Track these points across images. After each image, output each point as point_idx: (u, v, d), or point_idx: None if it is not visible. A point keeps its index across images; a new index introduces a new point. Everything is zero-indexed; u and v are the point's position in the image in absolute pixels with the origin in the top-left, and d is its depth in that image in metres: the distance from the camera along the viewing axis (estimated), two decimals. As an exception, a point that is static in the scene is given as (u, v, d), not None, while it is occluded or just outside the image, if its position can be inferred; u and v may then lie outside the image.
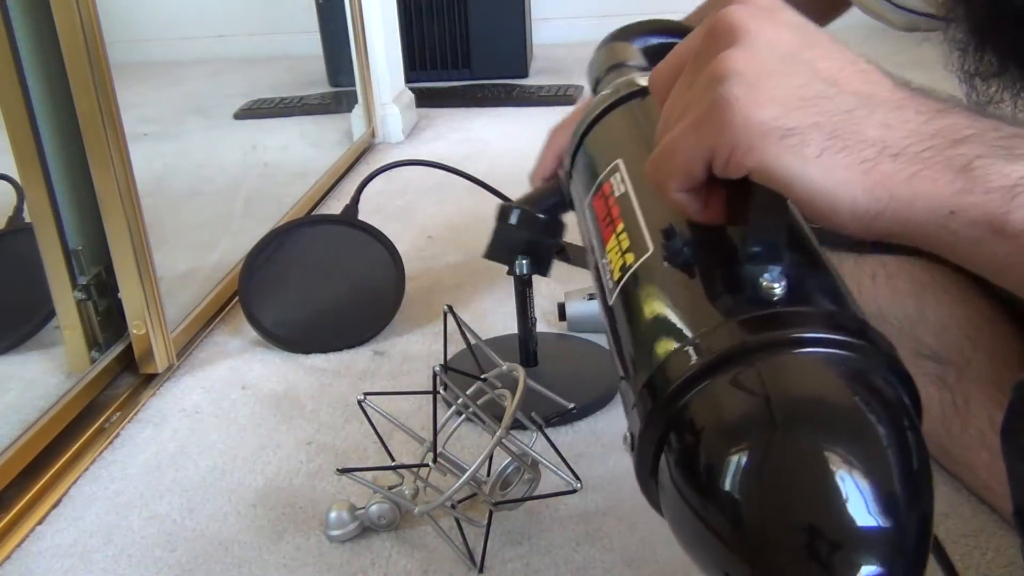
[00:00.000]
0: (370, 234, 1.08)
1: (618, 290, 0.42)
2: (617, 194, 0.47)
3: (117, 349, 0.98)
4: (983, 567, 0.65)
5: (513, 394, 0.66)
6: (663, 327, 0.38)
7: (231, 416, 0.91)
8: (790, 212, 0.38)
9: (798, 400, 0.33)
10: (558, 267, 1.22)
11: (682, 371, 0.34)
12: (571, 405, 0.78)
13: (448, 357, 0.80)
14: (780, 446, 0.31)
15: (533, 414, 0.73)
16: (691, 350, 0.34)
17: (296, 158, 1.93)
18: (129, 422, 0.91)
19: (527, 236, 0.86)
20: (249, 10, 3.02)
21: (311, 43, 2.40)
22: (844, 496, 0.30)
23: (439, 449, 0.67)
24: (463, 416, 0.74)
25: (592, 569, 0.67)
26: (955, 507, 0.70)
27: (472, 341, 0.74)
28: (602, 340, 0.99)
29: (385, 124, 1.94)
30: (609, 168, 0.49)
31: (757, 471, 0.31)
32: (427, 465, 0.67)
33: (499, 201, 0.92)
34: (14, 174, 0.91)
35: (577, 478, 0.68)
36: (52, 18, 0.86)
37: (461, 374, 0.73)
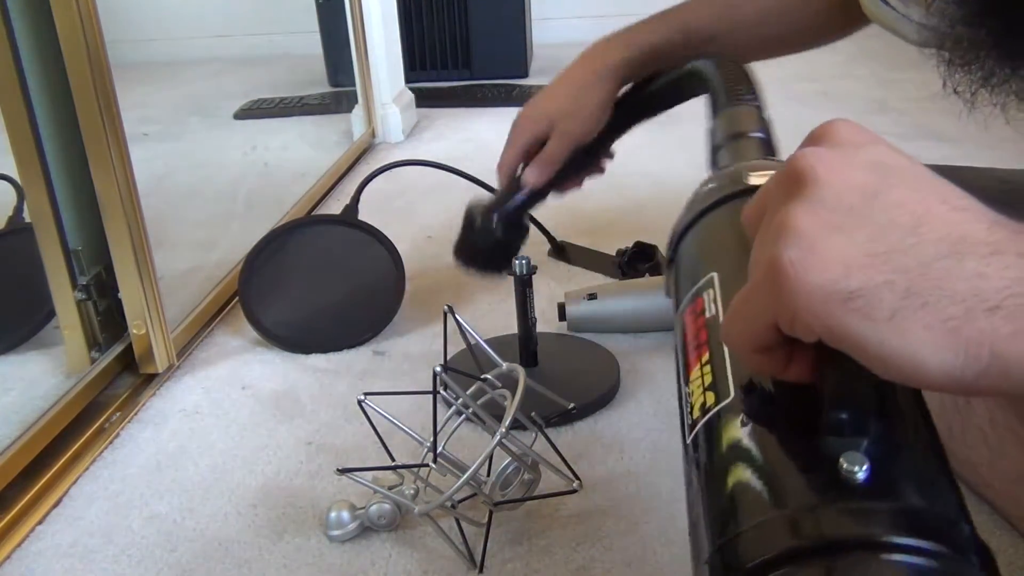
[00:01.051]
0: (370, 234, 1.08)
1: (695, 431, 0.41)
2: (708, 315, 0.44)
3: (117, 349, 0.98)
4: (983, 567, 0.65)
5: (513, 394, 0.66)
6: (738, 493, 0.36)
7: (231, 416, 0.91)
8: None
9: None
10: (558, 267, 1.22)
11: (757, 553, 0.32)
12: (571, 405, 0.78)
13: (448, 357, 0.80)
14: None
15: (533, 414, 0.73)
16: (767, 532, 0.33)
17: (296, 158, 1.93)
18: (129, 422, 0.91)
19: (499, 239, 0.89)
20: (249, 10, 3.02)
21: (311, 43, 2.41)
22: None
23: (439, 449, 0.67)
24: (463, 416, 0.74)
25: (592, 569, 0.67)
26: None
27: (472, 341, 0.74)
28: (602, 340, 0.99)
29: (385, 124, 1.94)
30: (704, 281, 0.46)
31: None
32: (427, 465, 0.67)
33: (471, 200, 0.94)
34: (14, 174, 0.91)
35: (577, 478, 0.68)
36: (52, 18, 0.86)
37: (461, 374, 0.73)
